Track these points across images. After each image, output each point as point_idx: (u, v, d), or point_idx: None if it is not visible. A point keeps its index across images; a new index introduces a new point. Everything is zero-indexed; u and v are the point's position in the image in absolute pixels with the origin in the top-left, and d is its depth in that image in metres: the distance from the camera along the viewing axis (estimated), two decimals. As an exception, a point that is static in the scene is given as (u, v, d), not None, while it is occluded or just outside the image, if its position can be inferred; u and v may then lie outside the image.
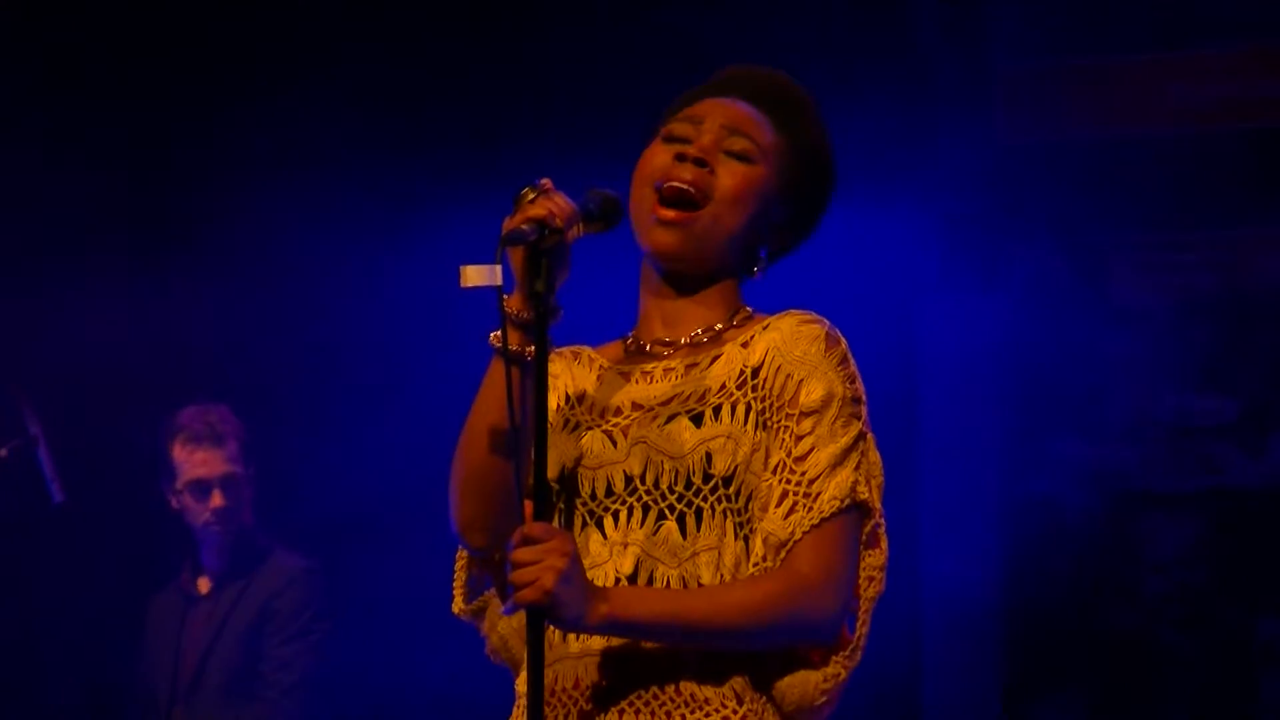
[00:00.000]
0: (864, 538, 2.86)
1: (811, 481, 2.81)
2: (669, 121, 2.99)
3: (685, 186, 2.88)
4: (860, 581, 2.88)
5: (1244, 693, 6.15)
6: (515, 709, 2.84)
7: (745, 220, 2.92)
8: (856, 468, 2.84)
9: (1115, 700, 6.21)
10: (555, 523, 2.85)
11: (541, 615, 2.70)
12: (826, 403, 2.83)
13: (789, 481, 2.82)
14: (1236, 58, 6.28)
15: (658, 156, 2.93)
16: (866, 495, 2.84)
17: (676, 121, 2.97)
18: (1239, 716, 6.11)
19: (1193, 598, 6.24)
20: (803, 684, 2.85)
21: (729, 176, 2.92)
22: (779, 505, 2.81)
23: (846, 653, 2.86)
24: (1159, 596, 6.19)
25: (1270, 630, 6.19)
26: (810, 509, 2.80)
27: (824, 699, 2.84)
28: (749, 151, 2.92)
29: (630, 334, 2.98)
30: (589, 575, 2.83)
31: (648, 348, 2.94)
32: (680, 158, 2.90)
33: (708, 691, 2.80)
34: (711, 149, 2.92)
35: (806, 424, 2.82)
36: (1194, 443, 6.23)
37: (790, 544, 2.78)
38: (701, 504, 2.81)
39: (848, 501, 2.79)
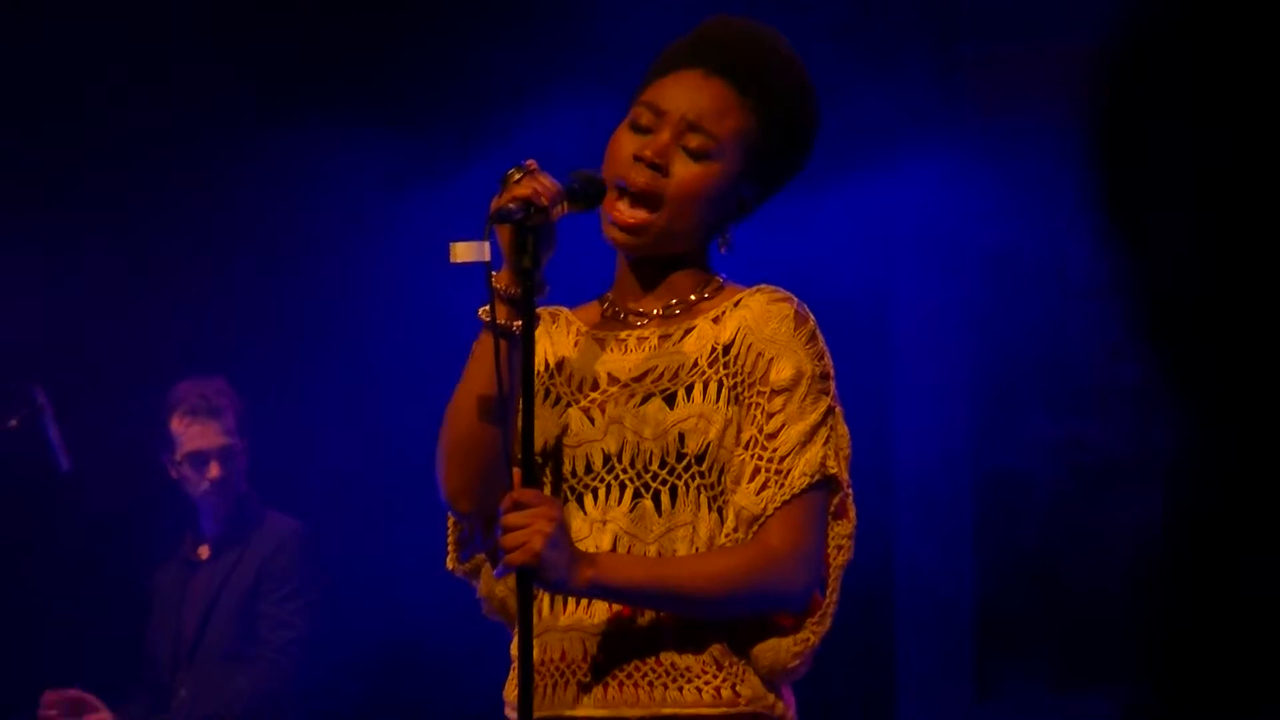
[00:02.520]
0: (833, 509, 2.93)
1: (783, 458, 2.88)
2: (643, 93, 3.02)
3: (638, 191, 2.94)
4: (829, 550, 2.95)
5: (1205, 657, 5.33)
6: (510, 673, 2.93)
7: (699, 216, 2.97)
8: (825, 442, 2.91)
9: (1081, 664, 6.18)
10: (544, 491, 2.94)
11: (530, 577, 2.78)
12: (796, 380, 2.90)
13: (760, 457, 2.89)
14: None
15: (623, 146, 2.98)
16: (835, 469, 2.91)
17: (644, 105, 3.00)
18: (1198, 678, 5.27)
19: (1155, 565, 5.90)
20: (775, 649, 2.91)
21: (683, 175, 2.95)
22: (751, 480, 2.88)
23: (816, 618, 2.93)
24: (1125, 564, 6.02)
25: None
26: (781, 485, 2.87)
27: (796, 661, 2.91)
28: (705, 147, 2.95)
29: (607, 295, 3.04)
30: None
31: (623, 316, 3.00)
32: (637, 157, 2.95)
33: (688, 660, 2.87)
34: (668, 147, 2.96)
35: (777, 401, 2.89)
36: (1157, 414, 6.03)
37: (762, 518, 2.86)
38: (676, 481, 2.89)
39: (817, 477, 2.87)
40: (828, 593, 2.96)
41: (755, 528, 2.87)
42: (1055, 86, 6.11)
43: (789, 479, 2.87)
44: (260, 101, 6.33)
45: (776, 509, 2.86)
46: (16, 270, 6.06)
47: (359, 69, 6.43)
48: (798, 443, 2.89)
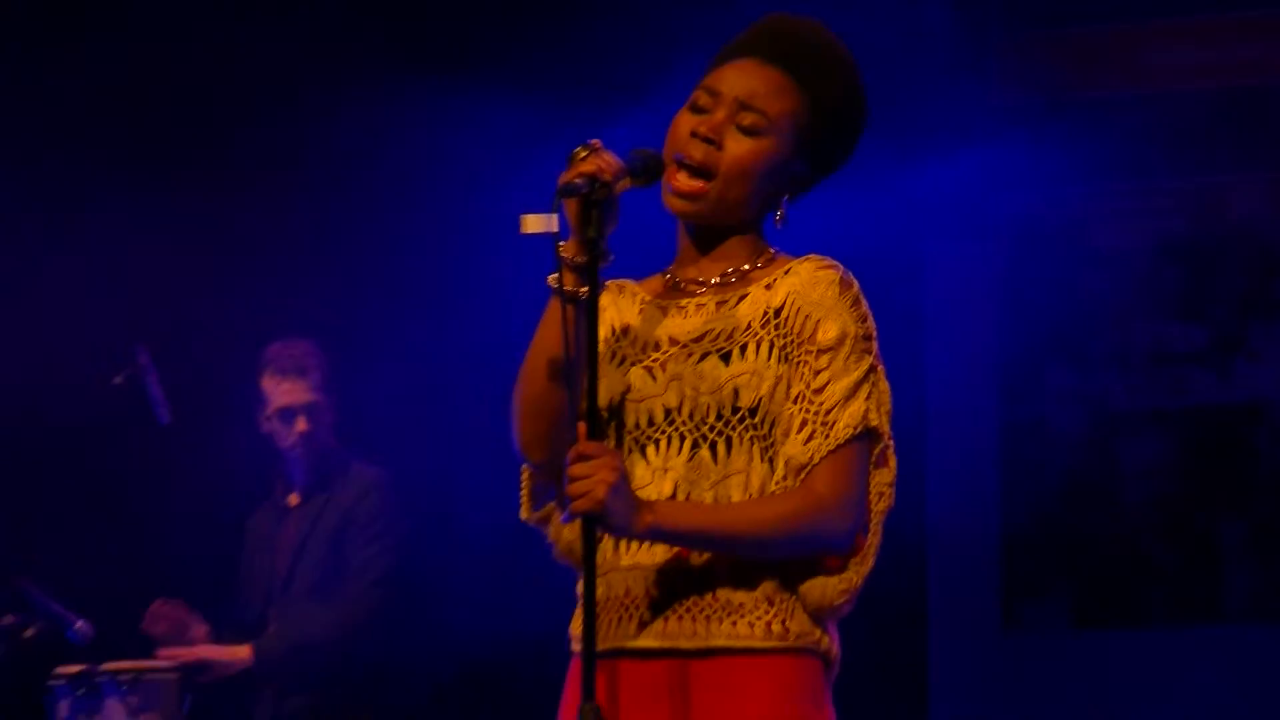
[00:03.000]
0: (874, 458, 2.98)
1: (828, 411, 2.92)
2: (703, 80, 3.07)
3: (695, 165, 2.99)
4: (871, 496, 2.99)
5: (1211, 587, 6.40)
6: (576, 610, 2.98)
7: (752, 187, 3.02)
8: (868, 397, 2.95)
9: (1099, 597, 6.47)
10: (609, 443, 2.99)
11: (594, 523, 2.84)
12: (840, 340, 2.94)
13: (808, 410, 2.93)
14: (1201, 26, 6.44)
15: (682, 125, 3.03)
16: (876, 422, 2.95)
17: (703, 89, 3.05)
18: (1206, 608, 6.34)
19: (1167, 505, 6.48)
20: (822, 587, 2.95)
21: (735, 150, 3.01)
22: (799, 432, 2.92)
23: (859, 559, 2.97)
24: (1138, 504, 6.44)
25: (1235, 532, 6.44)
26: (827, 436, 2.91)
27: (842, 599, 2.96)
28: (757, 125, 3.01)
29: (669, 268, 3.09)
30: None
31: (682, 285, 3.04)
32: (694, 134, 3.00)
33: (741, 597, 2.92)
34: (723, 124, 3.01)
35: (823, 359, 2.93)
36: (1167, 369, 6.48)
37: (809, 467, 2.90)
38: (731, 433, 2.94)
39: (860, 428, 2.91)
40: (870, 535, 3.01)
41: (803, 475, 2.93)
42: (1077, 67, 6.49)
43: (834, 430, 2.92)
44: (364, 64, 6.32)
45: (822, 458, 2.91)
46: (123, 236, 6.08)
47: (479, 29, 6.43)
48: (842, 397, 2.94)
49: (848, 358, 2.96)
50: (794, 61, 3.05)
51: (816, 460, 2.91)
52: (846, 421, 2.91)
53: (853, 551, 2.97)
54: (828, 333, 2.96)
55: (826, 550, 2.96)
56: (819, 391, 2.94)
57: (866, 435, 2.94)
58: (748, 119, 3.01)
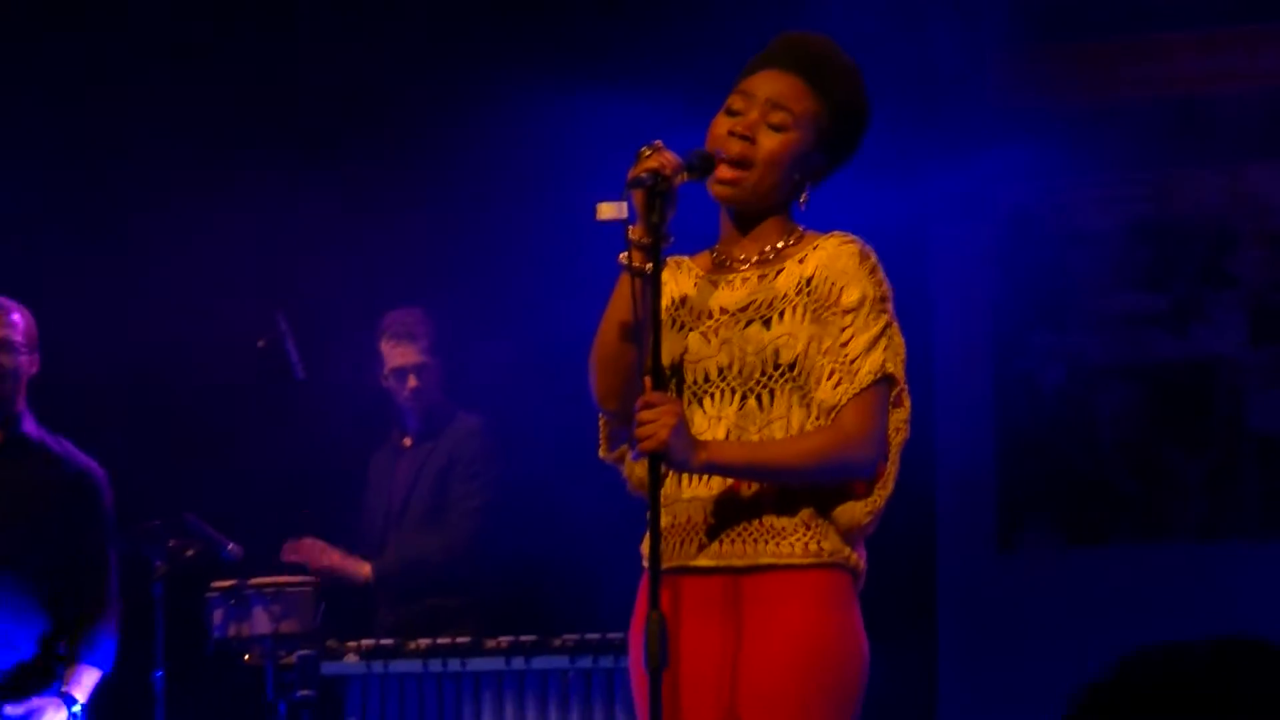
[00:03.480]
0: (892, 400, 3.07)
1: (852, 361, 3.01)
2: (735, 87, 3.14)
3: (734, 158, 3.05)
4: (890, 431, 3.08)
5: (1170, 513, 6.57)
6: (645, 534, 3.06)
7: (783, 175, 3.10)
8: (885, 348, 3.03)
9: (1078, 522, 6.63)
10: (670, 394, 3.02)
11: (659, 460, 2.94)
12: (861, 302, 3.04)
13: (836, 362, 3.01)
14: (1165, 45, 6.54)
15: (719, 126, 3.07)
16: (893, 369, 3.03)
17: (737, 94, 3.10)
18: (1166, 529, 6.52)
19: (1134, 444, 6.62)
20: (851, 510, 3.07)
21: (768, 144, 3.07)
22: (829, 379, 3.01)
23: (881, 484, 3.08)
24: (1110, 444, 6.60)
25: (1191, 467, 6.56)
26: (852, 381, 3.00)
27: (868, 519, 3.07)
28: (785, 122, 3.08)
29: (715, 247, 3.19)
30: None
31: (728, 262, 3.14)
32: (731, 133, 3.06)
33: (783, 522, 3.03)
34: (756, 123, 3.06)
35: (848, 319, 3.03)
36: (1133, 330, 6.61)
37: (838, 408, 2.99)
38: (774, 386, 3.04)
39: (879, 374, 3.01)
40: (889, 464, 3.09)
41: (833, 415, 3.01)
42: (1063, 76, 6.63)
43: (858, 376, 3.00)
44: (482, 50, 6.31)
45: (849, 400, 3.00)
46: (265, 213, 6.18)
47: (593, 20, 6.36)
48: (864, 349, 3.02)
49: (868, 316, 3.03)
50: (812, 71, 3.12)
51: (844, 402, 2.99)
52: (868, 369, 2.99)
53: (876, 478, 3.06)
54: (850, 296, 3.03)
55: (853, 476, 3.03)
56: (844, 345, 3.01)
57: (885, 380, 3.02)
58: (777, 117, 3.06)
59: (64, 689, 5.16)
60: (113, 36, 6.37)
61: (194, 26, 6.47)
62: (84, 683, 5.18)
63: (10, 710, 5.07)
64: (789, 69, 3.13)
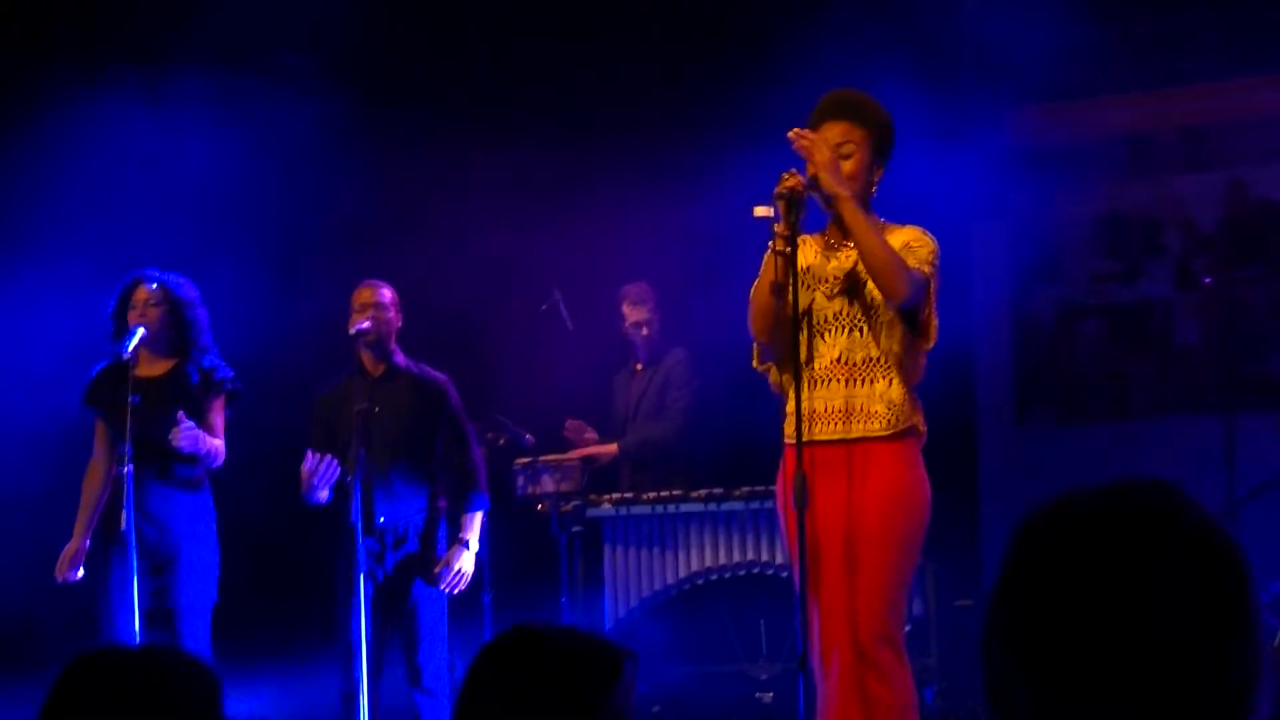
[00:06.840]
0: (931, 300, 3.80)
1: (919, 261, 3.90)
2: None
3: None
4: (933, 293, 3.85)
5: (1128, 399, 7.49)
6: (787, 418, 3.76)
7: (859, 184, 3.87)
8: (929, 270, 3.82)
9: (1069, 407, 7.73)
10: (802, 333, 3.65)
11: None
12: (918, 244, 3.92)
13: (908, 259, 3.88)
14: (1128, 99, 7.53)
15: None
16: (930, 279, 3.75)
17: None
18: (1124, 410, 7.39)
19: (1102, 356, 7.67)
20: (913, 367, 3.83)
21: (848, 169, 3.82)
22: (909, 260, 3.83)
23: (925, 339, 3.88)
24: (1086, 356, 7.69)
25: (1139, 369, 7.56)
26: (918, 260, 3.89)
27: (923, 357, 3.83)
28: (851, 152, 3.85)
29: (825, 231, 3.93)
30: (817, 365, 3.70)
31: (834, 243, 3.91)
32: None
33: (877, 408, 3.82)
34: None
35: (912, 259, 3.89)
36: (1100, 284, 7.65)
37: (911, 267, 3.84)
38: (871, 321, 3.87)
39: (928, 269, 3.87)
40: (933, 316, 3.77)
41: (908, 269, 3.75)
42: (1061, 119, 7.51)
43: (920, 263, 3.85)
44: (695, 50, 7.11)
45: (915, 266, 3.79)
46: (547, 202, 7.16)
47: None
48: (923, 260, 3.85)
49: (918, 251, 3.88)
50: (856, 114, 3.92)
51: (912, 264, 3.81)
52: (924, 259, 3.89)
53: (924, 336, 3.82)
54: (910, 245, 3.87)
55: (895, 288, 3.71)
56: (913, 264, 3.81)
57: (927, 281, 3.77)
58: (846, 150, 3.86)
59: (461, 535, 5.94)
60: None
61: (437, 43, 7.13)
62: (473, 527, 5.93)
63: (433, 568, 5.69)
64: (840, 117, 3.94)
